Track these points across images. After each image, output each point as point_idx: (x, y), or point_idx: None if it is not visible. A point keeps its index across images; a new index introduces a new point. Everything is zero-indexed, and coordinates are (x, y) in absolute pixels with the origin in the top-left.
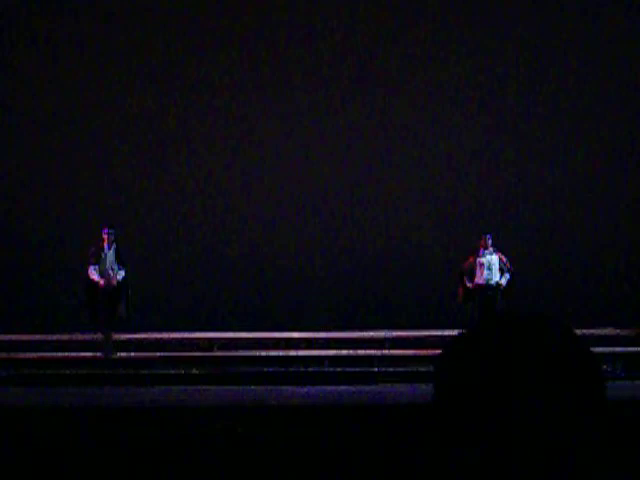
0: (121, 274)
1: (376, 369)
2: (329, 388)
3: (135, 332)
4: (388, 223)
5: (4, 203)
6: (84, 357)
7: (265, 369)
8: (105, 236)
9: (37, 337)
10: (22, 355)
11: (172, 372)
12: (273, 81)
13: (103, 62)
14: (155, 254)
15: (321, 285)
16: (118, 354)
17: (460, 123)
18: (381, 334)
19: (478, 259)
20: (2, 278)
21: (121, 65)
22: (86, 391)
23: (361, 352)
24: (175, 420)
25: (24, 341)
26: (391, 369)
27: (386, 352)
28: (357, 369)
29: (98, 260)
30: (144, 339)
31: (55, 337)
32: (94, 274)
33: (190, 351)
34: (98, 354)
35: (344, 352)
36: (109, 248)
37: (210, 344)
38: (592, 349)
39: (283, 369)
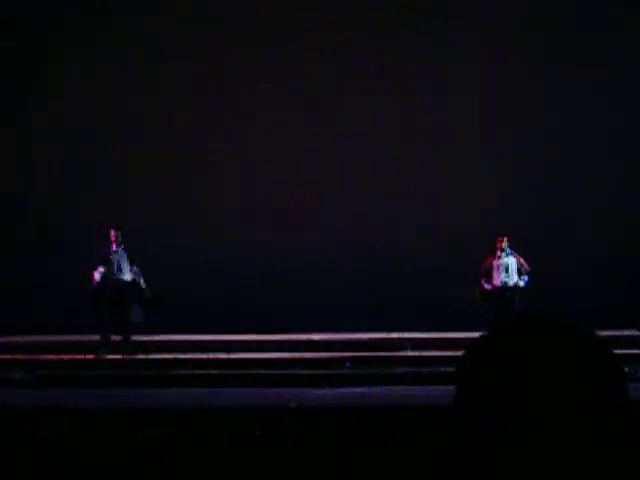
0: (134, 270)
1: (397, 371)
2: (350, 390)
3: (155, 334)
4: (408, 224)
5: (25, 203)
6: (108, 359)
7: (285, 371)
8: (113, 237)
9: (56, 338)
10: (42, 357)
11: (189, 373)
12: (279, 77)
13: (108, 63)
14: (164, 255)
15: (342, 286)
16: (135, 356)
17: (479, 123)
18: (402, 335)
19: (495, 261)
20: (21, 280)
21: (125, 66)
22: (106, 392)
23: (382, 354)
24: (192, 422)
25: (43, 342)
26: (412, 370)
27: (408, 354)
28: (378, 371)
29: (106, 262)
30: (164, 341)
31: (74, 338)
32: (97, 275)
33: (208, 353)
34: (119, 356)
35: (365, 354)
36: (117, 249)
37: (228, 346)
38: (614, 351)
39: (303, 371)
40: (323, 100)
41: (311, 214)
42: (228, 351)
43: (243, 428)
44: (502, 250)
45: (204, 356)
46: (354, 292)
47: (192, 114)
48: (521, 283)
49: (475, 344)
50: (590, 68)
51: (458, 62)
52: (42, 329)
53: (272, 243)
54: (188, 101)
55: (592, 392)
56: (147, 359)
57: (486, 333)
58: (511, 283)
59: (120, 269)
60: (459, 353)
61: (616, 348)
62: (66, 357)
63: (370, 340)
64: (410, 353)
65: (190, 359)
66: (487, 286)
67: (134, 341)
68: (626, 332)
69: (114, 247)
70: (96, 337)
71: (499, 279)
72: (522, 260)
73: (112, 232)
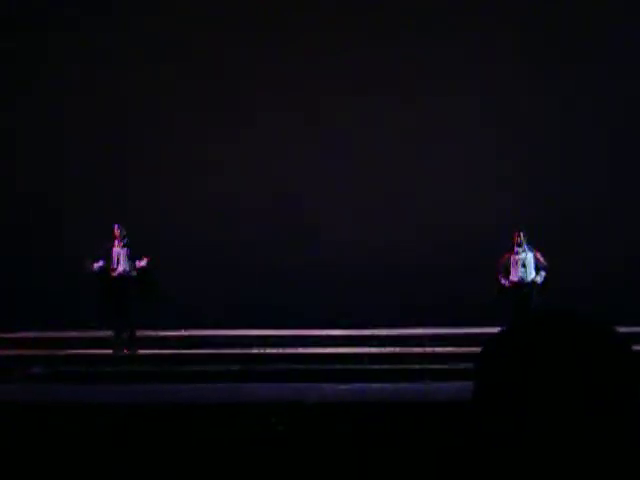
0: (134, 265)
1: (416, 366)
2: (368, 385)
3: (174, 329)
4: (426, 220)
5: (36, 202)
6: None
7: (305, 366)
8: (116, 233)
9: (73, 334)
10: (59, 352)
11: (211, 369)
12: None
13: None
14: (171, 252)
15: (361, 282)
16: (138, 351)
17: (497, 118)
18: (421, 331)
19: (512, 256)
20: (40, 275)
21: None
22: (123, 388)
23: (401, 349)
24: (214, 417)
25: (60, 338)
26: (431, 366)
27: (427, 350)
28: (397, 366)
29: (106, 256)
30: (182, 336)
31: (91, 334)
32: (95, 266)
33: (229, 348)
34: (137, 351)
35: (384, 349)
36: (120, 244)
37: (250, 342)
38: (633, 347)
39: (323, 366)
40: (322, 100)
41: (325, 211)
42: (248, 346)
43: (261, 423)
44: (519, 245)
45: (222, 351)
46: (372, 288)
47: (193, 114)
48: (538, 279)
49: (493, 340)
50: (593, 65)
51: (460, 61)
52: (60, 324)
53: (288, 239)
54: (189, 101)
55: (611, 389)
56: (168, 355)
57: (504, 329)
58: (528, 279)
59: (119, 264)
60: (477, 349)
61: (636, 344)
62: (83, 352)
63: (388, 336)
64: (428, 349)
65: (210, 354)
66: (504, 282)
67: (138, 337)
68: None
69: (116, 242)
70: (111, 333)
71: (516, 275)
72: (539, 256)
73: (115, 228)
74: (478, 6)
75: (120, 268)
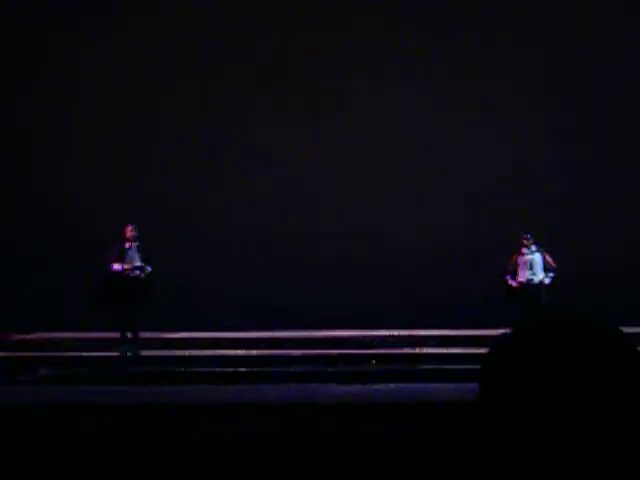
0: (147, 269)
1: (422, 367)
2: (373, 386)
3: (179, 331)
4: (432, 221)
5: (47, 202)
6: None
7: (310, 367)
8: (129, 234)
9: (80, 335)
10: (66, 354)
11: (215, 370)
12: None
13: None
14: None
15: (368, 284)
16: (142, 352)
17: (504, 119)
18: (425, 333)
19: (520, 257)
20: (49, 276)
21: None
22: (129, 389)
23: (405, 350)
24: (220, 418)
25: (67, 339)
26: (436, 367)
27: (431, 350)
28: (401, 367)
29: (121, 258)
30: (189, 338)
31: (98, 335)
32: (116, 266)
33: (234, 349)
34: (142, 353)
35: (388, 351)
36: (131, 246)
37: (256, 343)
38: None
39: (328, 367)
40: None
41: (335, 213)
42: (255, 348)
43: (267, 425)
44: (527, 247)
45: (228, 353)
46: (380, 289)
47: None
48: (546, 280)
49: (500, 341)
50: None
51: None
52: (67, 326)
53: (291, 241)
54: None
55: (616, 390)
56: (174, 356)
57: (511, 330)
58: (536, 280)
59: (133, 265)
60: (483, 350)
61: None
62: (91, 354)
63: (393, 337)
64: (434, 350)
65: (214, 356)
66: (512, 283)
67: (141, 338)
68: None
69: (127, 244)
70: (118, 334)
71: (524, 276)
72: (548, 257)
73: (126, 229)
74: (480, 5)
75: (133, 269)
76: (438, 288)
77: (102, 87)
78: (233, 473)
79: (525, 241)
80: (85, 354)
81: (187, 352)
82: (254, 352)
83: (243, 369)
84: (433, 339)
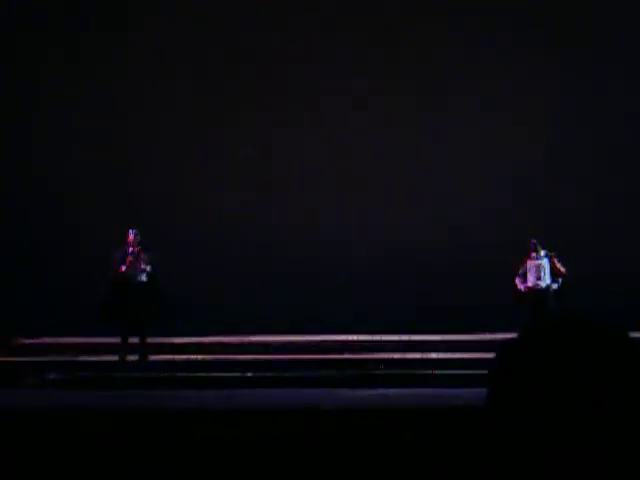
0: (147, 269)
1: (430, 372)
2: (383, 390)
3: (185, 336)
4: (440, 225)
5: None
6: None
7: (319, 372)
8: (131, 238)
9: (88, 340)
10: (75, 358)
11: (226, 375)
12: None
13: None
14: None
15: (376, 288)
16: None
17: (512, 125)
18: (434, 337)
19: (529, 262)
20: (56, 281)
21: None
22: (137, 393)
23: (414, 355)
24: (227, 422)
25: (76, 344)
26: (444, 372)
27: (439, 355)
28: (410, 371)
29: (124, 261)
30: (193, 343)
31: (107, 340)
32: (123, 267)
33: (245, 354)
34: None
35: (397, 355)
36: (134, 251)
37: (265, 347)
38: None
39: (337, 372)
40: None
41: (331, 216)
42: (264, 352)
43: (274, 429)
44: (535, 251)
45: (239, 357)
46: (387, 293)
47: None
48: (554, 286)
49: (507, 346)
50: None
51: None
52: (76, 331)
53: (293, 245)
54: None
55: (626, 394)
56: (183, 360)
57: (518, 335)
58: (543, 285)
59: (135, 271)
60: (490, 355)
61: None
62: (99, 359)
63: (401, 342)
64: (442, 355)
65: (225, 360)
66: (521, 286)
67: (149, 343)
68: None
69: (130, 249)
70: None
71: (532, 280)
72: (557, 262)
73: (129, 233)
74: (482, 4)
75: (138, 275)
76: (445, 292)
77: (102, 87)
78: (237, 478)
79: (533, 245)
80: (90, 359)
81: (192, 357)
82: (259, 357)
83: (249, 374)
84: (441, 344)
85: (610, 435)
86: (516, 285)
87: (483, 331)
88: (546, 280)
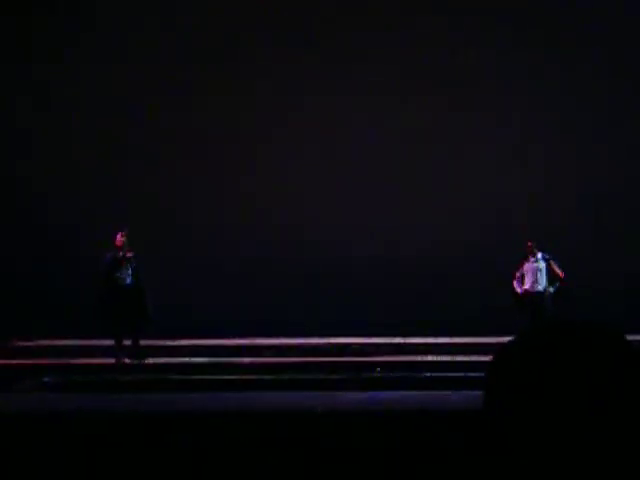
0: (128, 271)
1: (426, 375)
2: (379, 394)
3: (182, 338)
4: (438, 228)
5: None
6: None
7: (315, 375)
8: (119, 242)
9: (84, 342)
10: (70, 361)
11: (224, 378)
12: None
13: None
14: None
15: (373, 292)
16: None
17: (512, 132)
18: (429, 340)
19: (526, 265)
20: (54, 284)
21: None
22: (131, 397)
23: (410, 358)
24: (225, 426)
25: (71, 347)
26: (440, 375)
27: (435, 358)
28: (406, 374)
29: (115, 266)
30: (189, 346)
31: (103, 343)
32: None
33: (242, 357)
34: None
35: (394, 358)
36: (127, 253)
37: (257, 350)
38: None
39: (334, 375)
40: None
41: (331, 218)
42: (258, 355)
43: (267, 432)
44: (533, 254)
45: (237, 360)
46: (381, 296)
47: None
48: (551, 289)
49: (504, 349)
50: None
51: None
52: (72, 333)
53: (292, 245)
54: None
55: (623, 398)
56: (174, 363)
57: (515, 338)
58: (540, 288)
59: (127, 273)
60: (486, 358)
61: None
62: (94, 361)
63: (399, 344)
64: (437, 358)
65: (221, 363)
66: (518, 289)
67: (143, 345)
68: None
69: (120, 252)
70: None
71: (529, 283)
72: (554, 265)
73: (118, 236)
74: (490, 3)
75: (128, 278)
76: (442, 295)
77: (102, 87)
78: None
79: (530, 249)
80: (86, 361)
81: (189, 359)
82: (255, 360)
83: (246, 377)
84: (437, 347)
85: (607, 437)
86: (514, 288)
87: (480, 334)
88: (543, 283)
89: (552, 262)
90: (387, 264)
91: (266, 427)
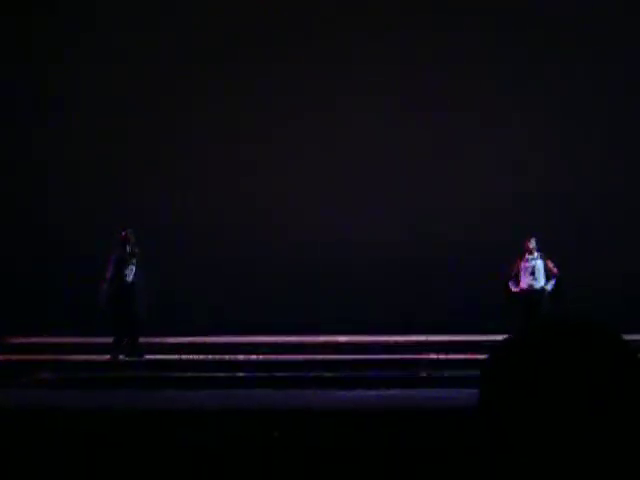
0: (132, 269)
1: (423, 374)
2: (375, 392)
3: (180, 335)
4: (435, 227)
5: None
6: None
7: (310, 373)
8: (123, 239)
9: (81, 340)
10: (67, 357)
11: (217, 375)
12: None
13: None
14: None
15: (371, 289)
16: (146, 357)
17: (512, 132)
18: (427, 338)
19: (522, 263)
20: (52, 281)
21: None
22: (129, 394)
23: (408, 356)
24: (216, 424)
25: (69, 343)
26: (436, 373)
27: (434, 356)
28: (404, 373)
29: (120, 264)
30: (187, 343)
31: (100, 340)
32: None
33: (234, 354)
34: (146, 357)
35: (391, 356)
36: (130, 250)
37: (255, 347)
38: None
39: (329, 373)
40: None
41: (331, 216)
42: (255, 353)
43: (265, 430)
44: (530, 252)
45: (228, 357)
46: (377, 295)
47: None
48: (548, 287)
49: (500, 347)
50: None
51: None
52: (69, 330)
53: (292, 245)
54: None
55: (617, 394)
56: (176, 360)
57: (511, 336)
58: (537, 286)
59: (131, 270)
60: (482, 356)
61: None
62: (91, 358)
63: (397, 342)
64: (435, 356)
65: (214, 360)
66: (515, 288)
67: (141, 343)
68: None
69: (127, 248)
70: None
71: (526, 282)
72: (550, 263)
73: (123, 234)
74: (496, 6)
75: (130, 275)
76: (438, 294)
77: (102, 87)
78: (229, 477)
79: (528, 247)
80: (84, 357)
81: (186, 357)
82: (251, 357)
83: (243, 374)
84: (433, 345)
85: (603, 434)
86: (509, 287)
87: (476, 332)
88: (540, 281)
89: (548, 260)
90: (387, 264)
91: (261, 424)
